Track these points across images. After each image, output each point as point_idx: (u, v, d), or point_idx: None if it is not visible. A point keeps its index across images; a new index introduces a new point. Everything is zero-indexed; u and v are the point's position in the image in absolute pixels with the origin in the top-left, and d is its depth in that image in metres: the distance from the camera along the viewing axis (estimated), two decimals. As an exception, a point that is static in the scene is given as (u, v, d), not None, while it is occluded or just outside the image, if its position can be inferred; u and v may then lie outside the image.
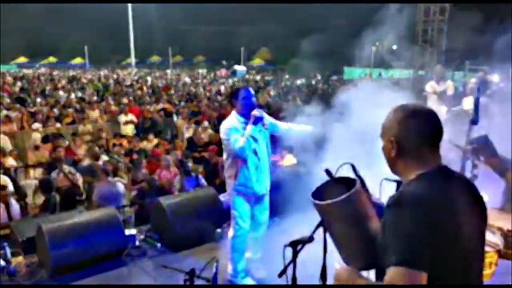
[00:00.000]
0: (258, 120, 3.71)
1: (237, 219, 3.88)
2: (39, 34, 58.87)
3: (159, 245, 4.75)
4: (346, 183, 1.97)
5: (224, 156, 3.89)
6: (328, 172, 2.20)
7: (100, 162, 7.28)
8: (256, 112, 3.71)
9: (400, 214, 1.39)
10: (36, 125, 10.33)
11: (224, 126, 3.75)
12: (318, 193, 1.96)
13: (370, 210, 1.89)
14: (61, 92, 18.36)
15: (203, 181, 6.89)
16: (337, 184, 2.01)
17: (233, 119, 3.77)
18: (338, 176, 2.05)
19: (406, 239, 1.35)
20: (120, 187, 6.19)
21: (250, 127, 3.68)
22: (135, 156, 8.13)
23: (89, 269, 4.22)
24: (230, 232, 3.99)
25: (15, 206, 5.68)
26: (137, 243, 4.74)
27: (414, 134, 1.53)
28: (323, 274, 2.46)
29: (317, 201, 1.86)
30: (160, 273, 4.27)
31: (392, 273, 1.35)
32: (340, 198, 1.80)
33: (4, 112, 11.87)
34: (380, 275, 1.65)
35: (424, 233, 1.34)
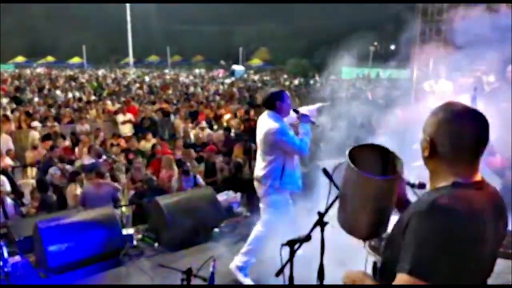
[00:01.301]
0: (309, 119, 3.87)
1: (273, 220, 3.89)
2: (37, 33, 58.77)
3: (156, 244, 4.74)
4: (380, 152, 1.87)
5: (269, 156, 3.87)
6: (325, 171, 2.20)
7: (100, 161, 7.29)
8: (307, 112, 3.91)
9: (428, 225, 1.30)
10: (35, 124, 10.30)
11: (275, 126, 3.76)
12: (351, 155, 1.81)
13: (395, 195, 1.81)
14: (58, 92, 18.33)
15: (201, 180, 6.89)
16: (370, 151, 1.89)
17: (278, 120, 3.82)
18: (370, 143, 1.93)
19: (427, 251, 1.29)
20: (108, 189, 6.04)
21: (306, 125, 3.85)
22: (131, 156, 8.11)
23: (86, 268, 4.21)
24: (262, 228, 3.99)
25: (10, 205, 5.66)
26: (134, 242, 4.73)
27: (451, 140, 1.39)
28: (321, 274, 2.45)
29: (359, 171, 1.71)
30: (157, 272, 4.25)
31: (402, 281, 1.31)
32: (385, 177, 1.74)
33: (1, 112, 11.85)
34: (383, 272, 1.63)
35: (447, 250, 1.28)
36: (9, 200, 5.76)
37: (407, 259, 1.31)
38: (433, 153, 1.44)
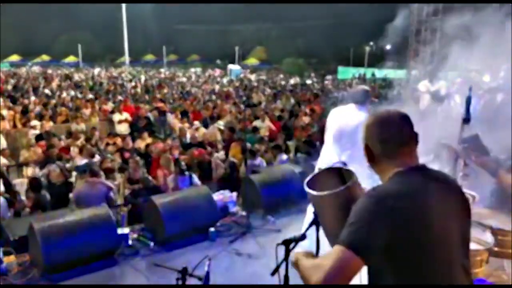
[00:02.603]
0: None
1: None
2: (32, 32, 58.44)
3: (152, 244, 4.73)
4: (338, 173, 2.01)
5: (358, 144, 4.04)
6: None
7: (94, 160, 7.27)
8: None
9: (360, 202, 1.49)
10: (35, 123, 10.24)
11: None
12: (312, 182, 1.98)
13: None
14: (46, 90, 18.28)
15: (196, 180, 6.89)
16: (329, 173, 2.05)
17: (367, 112, 4.04)
18: (331, 166, 2.09)
19: (354, 222, 1.44)
20: (101, 188, 6.00)
21: None
22: (127, 155, 8.09)
23: (82, 268, 4.20)
24: None
25: (3, 204, 5.63)
26: (130, 242, 4.72)
27: (378, 140, 1.62)
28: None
29: (313, 192, 1.87)
30: (153, 272, 4.26)
31: (332, 249, 1.47)
32: (338, 189, 1.81)
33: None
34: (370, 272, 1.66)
35: (373, 221, 1.41)
36: (1, 200, 5.72)
37: (343, 232, 1.47)
38: (371, 156, 1.65)
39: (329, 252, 1.48)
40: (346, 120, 4.11)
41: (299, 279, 1.71)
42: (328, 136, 4.23)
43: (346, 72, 37.54)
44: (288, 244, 2.22)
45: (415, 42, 16.59)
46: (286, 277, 2.32)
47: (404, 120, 1.64)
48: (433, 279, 1.47)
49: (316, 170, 2.10)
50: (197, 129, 10.51)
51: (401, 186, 1.50)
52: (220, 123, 11.25)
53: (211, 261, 2.45)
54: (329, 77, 34.45)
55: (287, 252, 2.23)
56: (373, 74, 34.50)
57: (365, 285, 1.59)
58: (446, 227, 1.51)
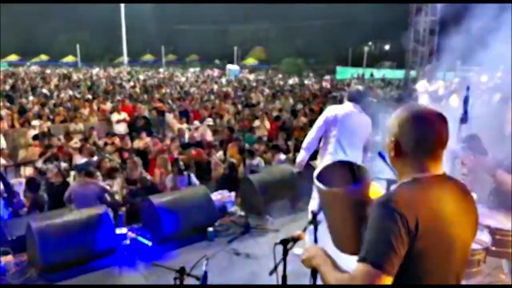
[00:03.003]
0: None
1: None
2: (31, 32, 58.39)
3: (150, 243, 4.73)
4: (349, 168, 1.96)
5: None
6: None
7: (94, 159, 7.27)
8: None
9: (380, 214, 1.40)
10: (35, 122, 10.21)
11: None
12: (322, 176, 1.90)
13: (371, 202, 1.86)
14: (44, 90, 18.24)
15: (195, 180, 6.88)
16: (340, 168, 1.99)
17: None
18: (342, 160, 2.05)
19: (376, 238, 1.38)
20: (94, 188, 5.85)
21: None
22: (126, 155, 8.09)
23: (80, 267, 4.19)
24: None
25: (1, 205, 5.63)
26: (128, 241, 4.71)
27: (412, 138, 1.50)
28: (314, 272, 2.46)
29: (324, 187, 1.79)
30: (151, 271, 4.25)
31: (356, 268, 1.39)
32: (351, 187, 1.79)
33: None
34: None
35: (396, 237, 1.34)
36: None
37: (363, 247, 1.41)
38: (398, 153, 1.54)
39: (356, 271, 1.40)
40: (350, 120, 4.21)
41: (296, 278, 1.70)
42: (329, 132, 4.24)
43: (345, 72, 37.55)
44: (286, 243, 2.23)
45: (414, 42, 16.57)
46: (284, 276, 2.32)
47: (444, 121, 1.52)
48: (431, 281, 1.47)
49: (324, 164, 2.03)
50: (196, 129, 10.51)
51: (421, 193, 1.44)
52: (209, 121, 11.26)
53: (208, 260, 2.44)
54: (327, 77, 34.47)
55: (285, 251, 2.23)
56: (371, 74, 34.57)
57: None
58: (461, 239, 1.49)
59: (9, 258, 4.25)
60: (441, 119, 1.51)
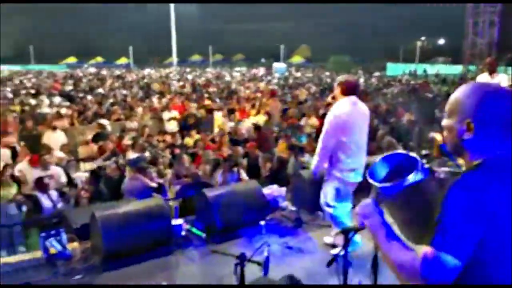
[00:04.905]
0: None
1: None
2: (87, 35, 61.52)
3: (204, 235, 4.83)
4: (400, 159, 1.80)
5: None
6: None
7: (146, 155, 7.56)
8: None
9: (453, 197, 1.31)
10: (103, 121, 10.70)
11: None
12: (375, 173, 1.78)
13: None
14: (101, 90, 19.11)
15: (244, 175, 6.96)
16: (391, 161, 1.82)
17: None
18: (393, 153, 1.93)
19: (449, 222, 1.29)
20: (138, 184, 6.26)
21: None
22: (177, 151, 8.33)
23: (138, 256, 4.35)
24: None
25: (54, 195, 6.00)
26: (183, 233, 4.85)
27: (496, 117, 1.38)
28: (375, 265, 2.42)
29: (378, 184, 1.67)
30: (205, 261, 4.36)
31: (424, 251, 1.31)
32: (406, 180, 1.61)
33: (56, 108, 12.50)
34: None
35: (467, 219, 1.27)
36: (53, 192, 6.08)
37: (434, 231, 1.32)
38: (472, 133, 1.41)
39: (422, 253, 1.32)
40: (361, 115, 4.20)
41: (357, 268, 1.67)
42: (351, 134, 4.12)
43: (396, 69, 36.43)
44: (348, 232, 2.19)
45: (472, 34, 15.68)
46: (346, 266, 2.29)
47: None
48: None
49: (377, 159, 1.94)
50: (243, 125, 10.61)
51: (497, 175, 1.33)
52: (252, 119, 11.33)
53: (270, 247, 2.46)
54: (377, 73, 33.62)
55: (346, 241, 2.19)
56: (424, 70, 33.30)
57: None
58: None
59: (75, 245, 4.50)
60: None
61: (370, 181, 1.72)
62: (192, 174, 6.87)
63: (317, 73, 36.33)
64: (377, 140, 8.63)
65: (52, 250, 4.28)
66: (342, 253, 2.21)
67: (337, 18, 54.27)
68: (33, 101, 14.89)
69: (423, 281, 1.30)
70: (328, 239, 4.54)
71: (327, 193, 4.29)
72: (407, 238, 1.58)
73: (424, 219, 1.50)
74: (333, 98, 4.36)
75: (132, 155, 7.74)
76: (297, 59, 54.61)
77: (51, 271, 4.12)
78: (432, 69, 33.39)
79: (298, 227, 5.08)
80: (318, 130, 10.42)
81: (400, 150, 1.93)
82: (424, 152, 6.85)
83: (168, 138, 9.69)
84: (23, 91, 18.59)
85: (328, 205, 4.30)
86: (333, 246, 4.33)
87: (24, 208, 6.05)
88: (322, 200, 4.39)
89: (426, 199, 1.59)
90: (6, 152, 7.76)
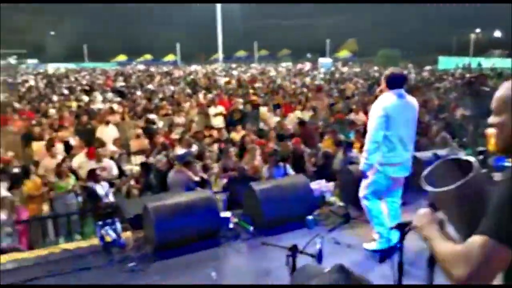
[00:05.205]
0: None
1: None
2: (136, 33, 63.66)
3: (251, 228, 4.87)
4: (457, 165, 1.78)
5: None
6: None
7: (192, 150, 7.72)
8: None
9: (503, 188, 1.29)
10: (153, 116, 11.08)
11: None
12: (429, 178, 1.76)
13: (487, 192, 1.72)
14: (150, 86, 19.70)
15: (290, 170, 6.94)
16: (446, 166, 1.83)
17: None
18: (446, 158, 1.89)
19: (498, 210, 1.27)
20: (182, 177, 6.37)
21: None
22: (223, 146, 8.44)
23: (188, 247, 4.46)
24: None
25: (105, 186, 6.26)
26: (231, 225, 4.91)
27: None
28: (431, 261, 2.33)
29: (432, 189, 1.65)
30: (253, 254, 4.39)
31: (473, 240, 1.28)
32: (461, 182, 1.58)
33: (108, 104, 13.05)
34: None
35: None
36: (104, 183, 6.35)
37: (483, 221, 1.29)
38: None
39: (471, 242, 1.30)
40: (406, 108, 4.10)
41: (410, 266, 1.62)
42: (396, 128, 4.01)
43: (448, 62, 34.85)
44: (403, 228, 2.12)
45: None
46: (401, 264, 2.22)
47: None
48: None
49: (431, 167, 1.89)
50: (288, 121, 10.58)
51: None
52: (298, 114, 11.25)
53: (323, 239, 2.44)
54: (428, 67, 32.34)
55: (402, 236, 2.13)
56: (479, 64, 31.63)
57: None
58: None
59: (129, 234, 4.69)
60: None
61: (427, 188, 1.68)
62: (239, 168, 6.93)
63: (364, 68, 35.48)
64: (431, 136, 8.36)
65: (108, 238, 4.48)
66: (397, 247, 2.15)
67: (385, 11, 52.64)
68: (86, 98, 15.61)
69: (477, 272, 1.25)
70: (369, 246, 4.31)
71: (364, 185, 4.21)
72: (462, 232, 1.57)
73: (478, 211, 1.47)
74: (380, 91, 4.26)
75: (180, 150, 7.93)
76: (343, 53, 53.54)
77: (107, 258, 4.32)
78: (487, 62, 31.68)
79: (346, 223, 5.00)
80: (366, 126, 10.19)
81: (453, 153, 1.84)
82: (480, 148, 6.54)
83: (214, 133, 9.83)
84: (78, 88, 19.52)
85: (365, 197, 4.22)
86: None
87: (80, 199, 6.39)
88: (360, 193, 4.30)
89: (478, 192, 1.57)
90: (60, 146, 8.20)
